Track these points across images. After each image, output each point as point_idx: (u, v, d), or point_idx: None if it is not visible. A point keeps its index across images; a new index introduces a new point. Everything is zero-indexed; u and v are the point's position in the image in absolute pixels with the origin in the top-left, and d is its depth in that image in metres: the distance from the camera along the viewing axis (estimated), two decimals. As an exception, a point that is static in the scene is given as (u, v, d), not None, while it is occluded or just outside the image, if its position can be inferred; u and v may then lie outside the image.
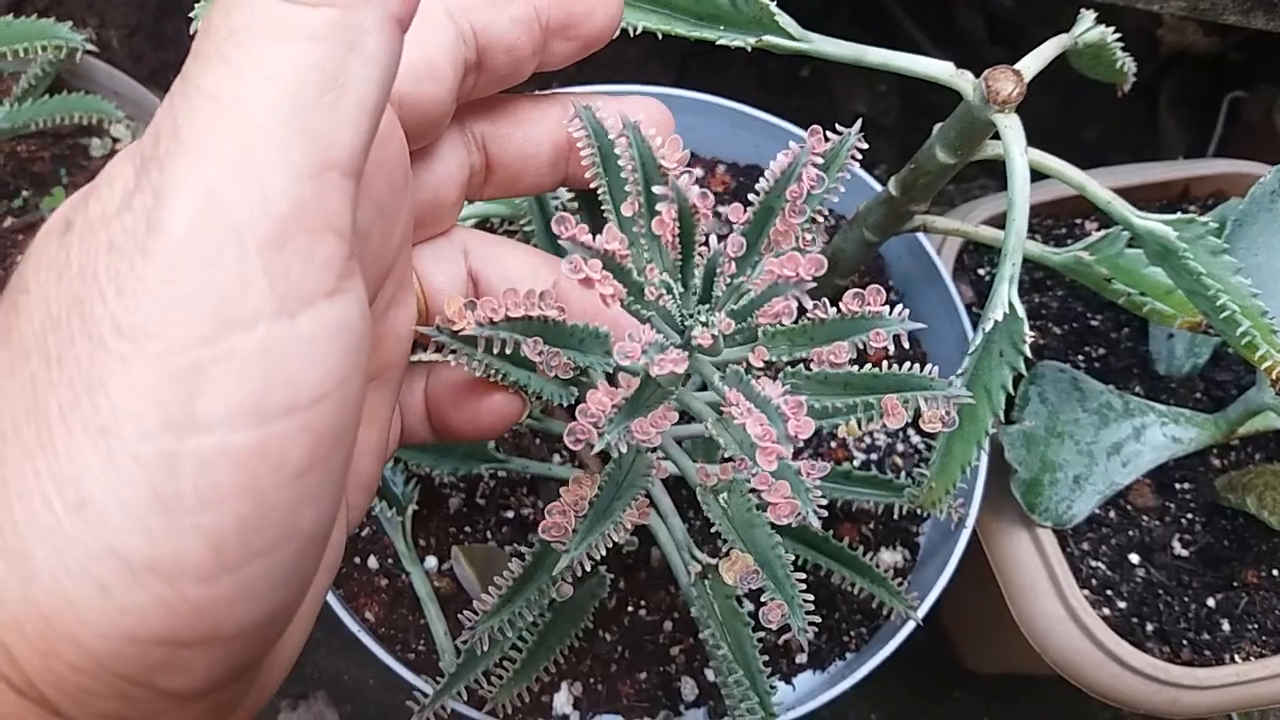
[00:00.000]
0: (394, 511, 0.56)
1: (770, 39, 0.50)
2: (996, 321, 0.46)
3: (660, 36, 0.51)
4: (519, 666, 0.50)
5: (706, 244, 0.33)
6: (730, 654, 0.47)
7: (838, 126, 0.37)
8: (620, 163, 0.34)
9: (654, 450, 0.40)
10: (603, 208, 0.36)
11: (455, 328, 0.32)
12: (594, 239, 0.31)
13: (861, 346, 0.34)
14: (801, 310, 0.32)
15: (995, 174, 1.02)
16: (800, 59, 0.44)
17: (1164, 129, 1.17)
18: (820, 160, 0.34)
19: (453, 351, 0.32)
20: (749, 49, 0.51)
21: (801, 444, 0.36)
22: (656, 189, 0.33)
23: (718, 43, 0.50)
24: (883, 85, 1.16)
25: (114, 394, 0.21)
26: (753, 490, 0.35)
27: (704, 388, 0.39)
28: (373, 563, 0.57)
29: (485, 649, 0.42)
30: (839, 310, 0.34)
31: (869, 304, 0.33)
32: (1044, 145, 0.53)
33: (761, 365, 0.35)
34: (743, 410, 0.30)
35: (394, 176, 0.29)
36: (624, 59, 1.06)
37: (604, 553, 0.46)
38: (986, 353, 0.47)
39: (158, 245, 0.21)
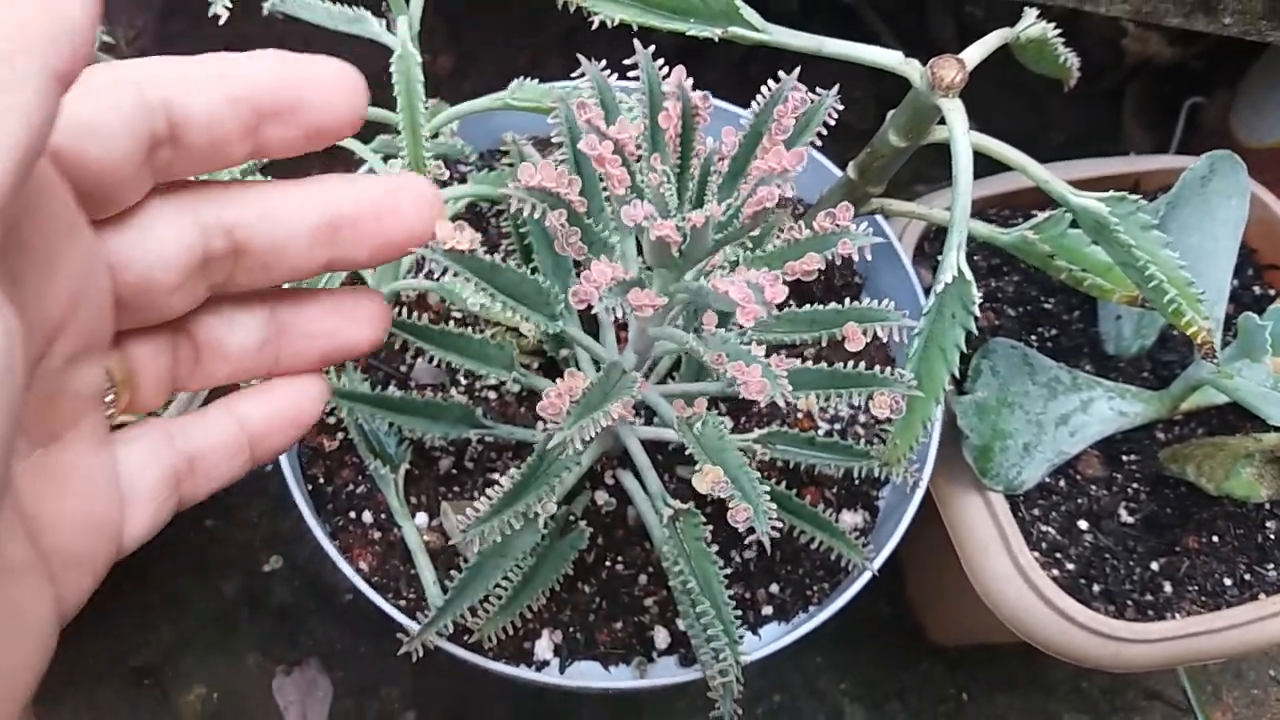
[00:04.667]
0: (388, 469, 0.60)
1: (735, 30, 0.55)
2: (946, 284, 0.50)
3: (635, 28, 0.56)
4: (504, 602, 0.55)
5: (704, 145, 0.38)
6: (699, 588, 0.51)
7: (818, 89, 0.42)
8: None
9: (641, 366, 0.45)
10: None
11: (447, 246, 0.36)
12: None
13: (830, 257, 0.39)
14: (782, 203, 0.37)
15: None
16: (778, 60, 0.49)
17: (1128, 133, 1.23)
18: (802, 94, 0.39)
19: (444, 272, 0.37)
20: (716, 40, 0.55)
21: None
22: (669, 87, 0.37)
23: (688, 33, 0.55)
24: (858, 93, 1.21)
25: None
26: (729, 413, 0.39)
27: (685, 326, 0.44)
28: (367, 517, 0.61)
29: (476, 553, 0.46)
30: (812, 230, 0.38)
31: (838, 221, 0.38)
32: (1013, 147, 0.57)
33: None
34: (726, 283, 0.35)
35: (48, 227, 0.28)
36: (601, 56, 1.11)
37: (582, 510, 0.51)
38: (939, 314, 0.52)
39: None
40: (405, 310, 0.65)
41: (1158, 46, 1.25)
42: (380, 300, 0.38)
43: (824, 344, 0.63)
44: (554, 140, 0.54)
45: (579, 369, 0.64)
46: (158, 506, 0.32)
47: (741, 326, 0.44)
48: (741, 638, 0.53)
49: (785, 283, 0.38)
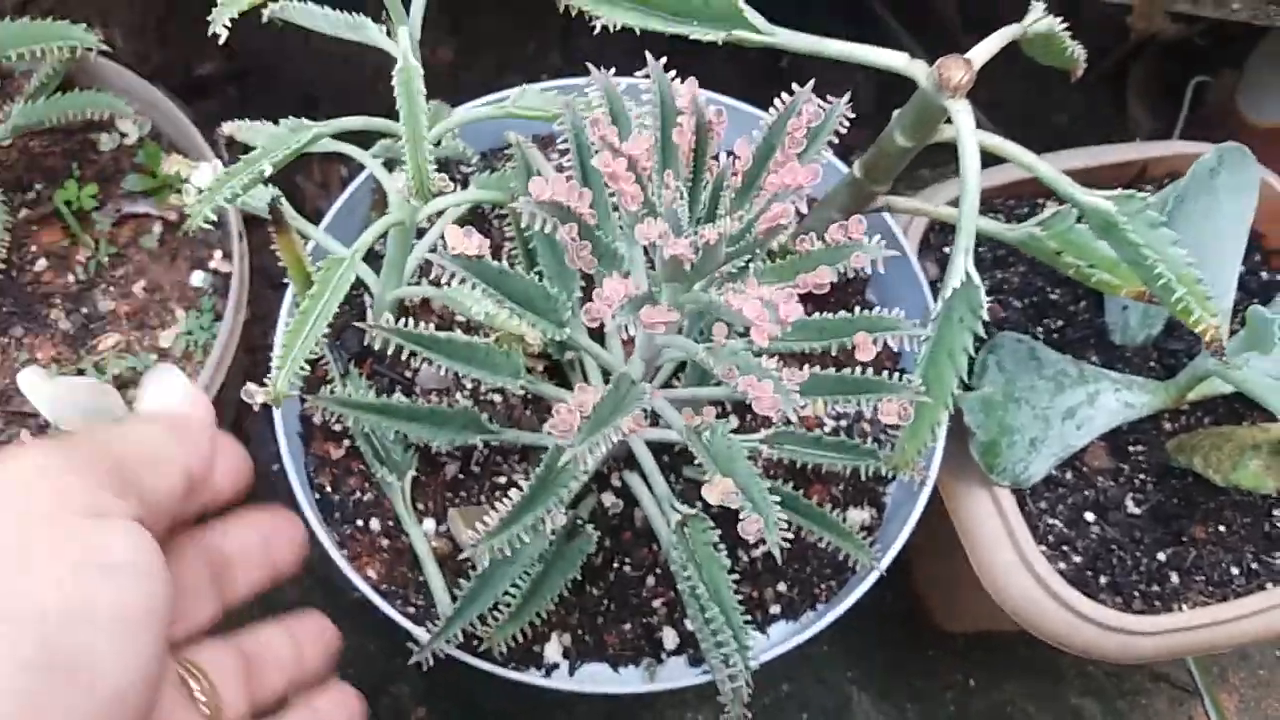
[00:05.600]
0: (395, 476, 0.60)
1: (739, 33, 0.54)
2: (955, 289, 0.50)
3: (639, 32, 0.55)
4: (514, 610, 0.55)
5: (716, 158, 0.38)
6: (708, 594, 0.51)
7: (829, 97, 0.42)
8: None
9: (648, 373, 0.45)
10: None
11: (455, 251, 0.36)
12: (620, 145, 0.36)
13: (843, 270, 0.39)
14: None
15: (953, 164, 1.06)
16: (779, 51, 0.49)
17: (1132, 113, 1.22)
18: (815, 106, 0.39)
19: (451, 277, 0.38)
20: (720, 43, 0.55)
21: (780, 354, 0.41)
22: (682, 102, 0.37)
23: (690, 36, 0.54)
24: (859, 77, 1.20)
25: None
26: (734, 412, 0.39)
27: (691, 332, 0.44)
28: (374, 525, 0.62)
29: (486, 566, 0.46)
30: (824, 241, 0.38)
31: (851, 235, 0.38)
32: (1016, 129, 0.57)
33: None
34: (740, 300, 0.35)
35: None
36: (606, 56, 1.10)
37: (589, 514, 0.51)
38: (947, 319, 0.52)
39: None
40: (409, 317, 0.65)
41: (1162, 24, 1.24)
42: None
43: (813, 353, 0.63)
44: (560, 148, 0.54)
45: (584, 373, 0.64)
46: None
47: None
48: (750, 643, 0.53)
49: (797, 296, 0.38)
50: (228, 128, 0.65)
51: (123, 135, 0.82)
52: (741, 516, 0.45)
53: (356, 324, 0.62)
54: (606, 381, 0.64)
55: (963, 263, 0.53)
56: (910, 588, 0.90)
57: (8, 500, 0.32)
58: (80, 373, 0.72)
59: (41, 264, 0.75)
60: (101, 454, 0.35)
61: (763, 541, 0.65)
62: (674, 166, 0.39)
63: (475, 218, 0.71)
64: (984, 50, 0.56)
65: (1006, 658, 0.92)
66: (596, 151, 0.38)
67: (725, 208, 0.39)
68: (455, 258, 0.44)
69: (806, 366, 0.48)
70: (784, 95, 0.40)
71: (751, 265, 0.45)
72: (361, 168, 0.71)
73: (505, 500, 0.48)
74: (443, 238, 0.68)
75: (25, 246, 0.76)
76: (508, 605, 0.55)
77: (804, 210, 0.37)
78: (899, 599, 0.90)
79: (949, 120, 0.57)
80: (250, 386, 0.50)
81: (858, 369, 0.50)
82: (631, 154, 0.36)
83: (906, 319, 0.49)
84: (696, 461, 0.65)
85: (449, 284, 0.51)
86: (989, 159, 0.55)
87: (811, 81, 0.40)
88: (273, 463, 0.91)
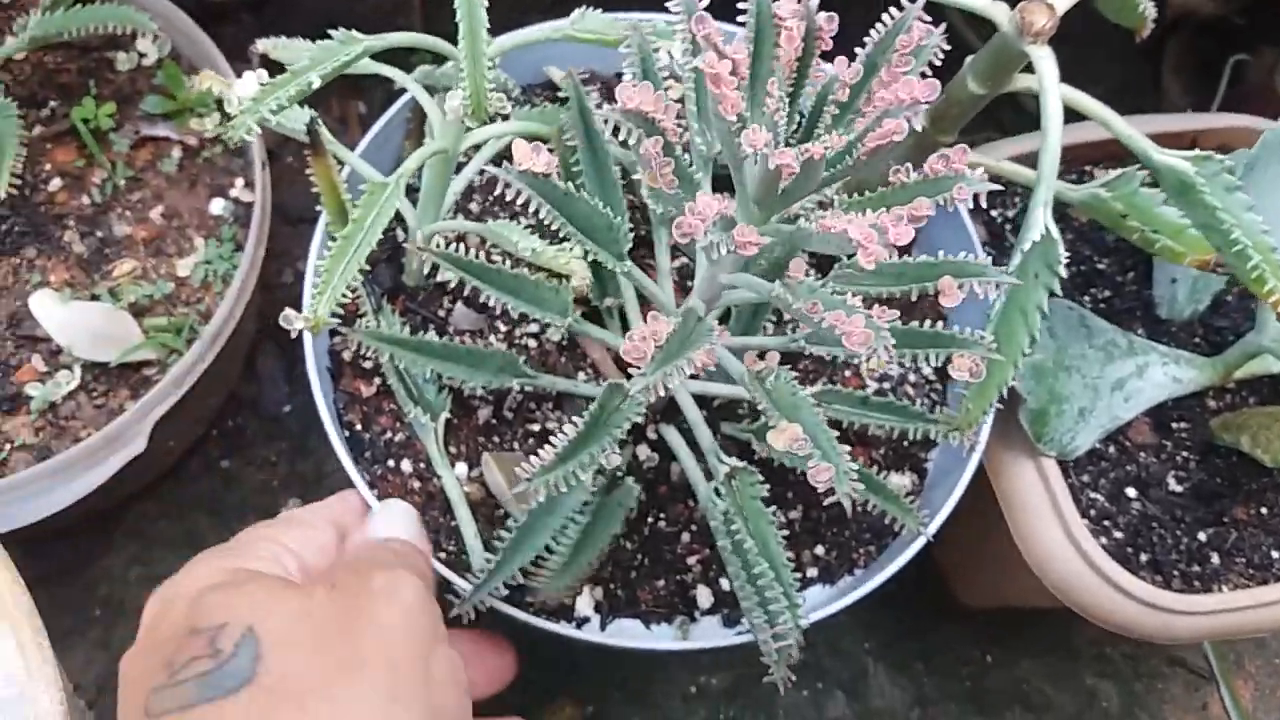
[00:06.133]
0: (429, 417, 0.58)
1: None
2: (1034, 242, 0.48)
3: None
4: (564, 562, 0.53)
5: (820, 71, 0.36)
6: (757, 549, 0.49)
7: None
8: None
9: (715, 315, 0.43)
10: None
11: (522, 167, 0.34)
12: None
13: (942, 203, 0.37)
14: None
15: (1001, 125, 1.04)
16: None
17: (1167, 89, 1.19)
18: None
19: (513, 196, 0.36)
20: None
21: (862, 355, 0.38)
22: (786, 9, 0.35)
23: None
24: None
25: None
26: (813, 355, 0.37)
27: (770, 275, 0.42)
28: (406, 466, 0.59)
29: (526, 517, 0.44)
30: (921, 172, 0.36)
31: (954, 166, 0.35)
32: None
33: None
34: (843, 221, 0.32)
35: None
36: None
37: (625, 464, 0.48)
38: (1022, 275, 0.49)
39: None
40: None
41: (1199, 0, 1.22)
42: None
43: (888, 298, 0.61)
44: (624, 73, 0.51)
45: (624, 321, 0.62)
46: None
47: (833, 276, 0.42)
48: (800, 601, 0.51)
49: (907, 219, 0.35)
50: (262, 44, 0.62)
51: (141, 55, 0.78)
52: (810, 465, 0.42)
53: (406, 245, 0.59)
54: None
55: (1042, 216, 0.50)
56: (931, 559, 0.88)
57: (413, 630, 0.40)
58: (94, 298, 0.69)
59: (56, 184, 0.72)
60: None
61: (803, 501, 0.64)
62: (775, 77, 0.36)
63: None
64: (1067, -3, 0.54)
65: (1025, 635, 0.90)
66: (683, 66, 0.35)
67: (825, 125, 0.36)
68: (521, 174, 0.41)
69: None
70: (891, 10, 0.38)
71: (835, 197, 0.43)
72: (392, 99, 0.68)
73: (560, 436, 0.45)
74: (491, 164, 0.65)
75: (39, 165, 0.73)
76: (554, 555, 0.53)
77: (919, 127, 0.35)
78: (918, 572, 0.88)
79: (1026, 69, 0.55)
80: (289, 312, 0.47)
81: (926, 321, 0.48)
82: (736, 58, 0.33)
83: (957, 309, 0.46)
84: (738, 415, 0.63)
85: (490, 220, 0.48)
86: (1036, 122, 0.53)
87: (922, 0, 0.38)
88: (284, 404, 0.89)
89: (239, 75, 0.75)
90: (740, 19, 0.40)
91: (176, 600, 0.41)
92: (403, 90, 0.60)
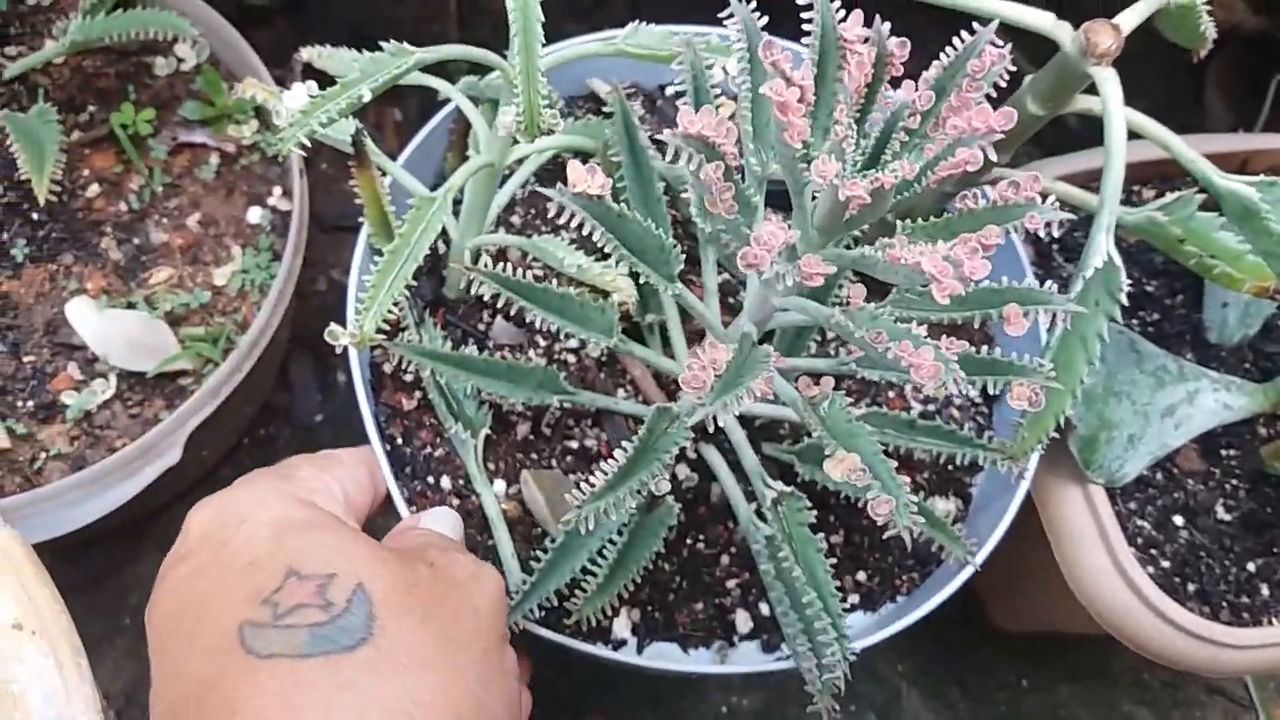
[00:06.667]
0: (469, 433, 0.57)
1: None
2: (1096, 269, 0.46)
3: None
4: (601, 583, 0.52)
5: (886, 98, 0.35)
6: (804, 576, 0.48)
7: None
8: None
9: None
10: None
11: (577, 190, 0.34)
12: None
13: (1014, 229, 0.36)
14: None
15: (1041, 142, 1.02)
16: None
17: (1210, 107, 1.17)
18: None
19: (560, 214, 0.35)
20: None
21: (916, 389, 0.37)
22: (853, 33, 0.34)
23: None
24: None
25: None
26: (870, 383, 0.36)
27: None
28: (445, 483, 0.58)
29: (589, 528, 0.43)
30: (989, 199, 0.35)
31: (1025, 193, 0.34)
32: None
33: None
34: (913, 253, 0.31)
35: None
36: (669, 7, 1.06)
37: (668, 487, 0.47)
38: (1083, 301, 0.48)
39: None
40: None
41: (1242, 15, 1.20)
42: None
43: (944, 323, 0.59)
44: (675, 90, 0.50)
45: (666, 339, 0.61)
46: None
47: (891, 301, 0.41)
48: (848, 631, 0.50)
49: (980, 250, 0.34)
50: (305, 54, 0.61)
51: (179, 60, 0.78)
52: (869, 498, 0.41)
53: (454, 264, 0.59)
54: (689, 348, 0.61)
55: (1104, 242, 0.49)
56: (969, 583, 0.87)
57: (498, 621, 0.43)
58: (130, 306, 0.68)
59: (94, 189, 0.72)
60: None
61: (844, 525, 0.62)
62: (842, 99, 0.35)
63: (556, 168, 0.67)
64: (1131, 17, 0.53)
65: (1062, 660, 0.89)
66: (739, 84, 0.34)
67: (893, 153, 0.35)
68: (575, 196, 0.40)
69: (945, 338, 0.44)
70: (963, 34, 0.37)
71: (898, 223, 0.41)
72: (429, 105, 0.67)
73: (610, 462, 0.44)
74: (538, 178, 0.64)
75: (77, 170, 0.72)
76: (592, 577, 0.52)
77: (994, 158, 0.34)
78: (955, 594, 0.87)
79: (1088, 90, 0.54)
80: (335, 327, 0.47)
81: (983, 349, 0.47)
82: (803, 84, 0.32)
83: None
84: (780, 436, 0.62)
85: (534, 235, 0.48)
86: (1090, 139, 0.52)
87: (995, 21, 0.37)
88: (316, 414, 0.88)
89: (276, 81, 0.75)
90: (804, 40, 0.39)
91: (247, 522, 0.40)
92: (439, 97, 0.59)
